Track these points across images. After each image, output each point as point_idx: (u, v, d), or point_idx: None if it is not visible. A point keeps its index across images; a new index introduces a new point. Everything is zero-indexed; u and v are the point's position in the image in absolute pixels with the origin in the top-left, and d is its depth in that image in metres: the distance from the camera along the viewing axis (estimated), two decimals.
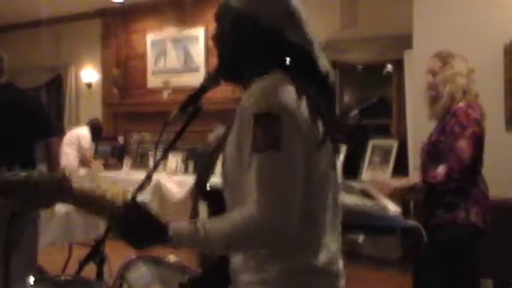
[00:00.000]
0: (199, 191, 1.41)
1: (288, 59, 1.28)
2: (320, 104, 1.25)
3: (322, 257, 1.25)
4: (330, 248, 1.27)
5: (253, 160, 1.17)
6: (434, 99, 2.75)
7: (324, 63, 1.32)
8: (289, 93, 1.20)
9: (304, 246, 1.24)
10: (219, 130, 4.83)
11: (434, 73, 2.76)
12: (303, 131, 1.19)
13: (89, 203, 1.30)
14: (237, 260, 1.30)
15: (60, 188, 1.25)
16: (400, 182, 2.78)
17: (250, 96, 1.22)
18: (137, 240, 1.25)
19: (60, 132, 3.80)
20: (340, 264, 1.31)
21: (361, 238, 4.31)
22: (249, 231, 1.16)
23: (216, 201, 1.34)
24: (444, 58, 2.76)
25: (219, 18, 1.37)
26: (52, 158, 3.36)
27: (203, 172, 1.44)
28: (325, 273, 1.26)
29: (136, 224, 1.23)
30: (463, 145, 2.54)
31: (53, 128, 3.41)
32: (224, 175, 1.31)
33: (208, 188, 1.40)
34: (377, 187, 2.80)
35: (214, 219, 1.23)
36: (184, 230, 1.21)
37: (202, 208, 1.39)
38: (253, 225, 1.15)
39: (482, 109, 2.71)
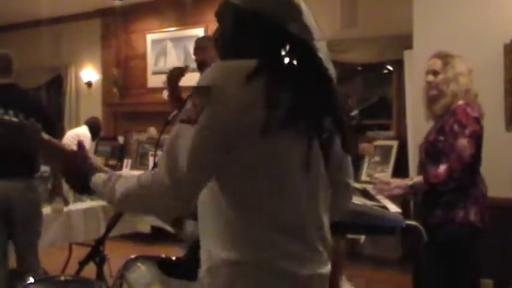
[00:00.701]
0: None
1: (284, 50, 1.26)
2: (279, 89, 1.19)
3: (268, 253, 1.20)
4: (287, 250, 1.22)
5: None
6: (434, 99, 2.75)
7: (324, 56, 1.30)
8: (237, 69, 1.19)
9: (243, 237, 1.21)
10: None
11: (435, 73, 2.76)
12: (236, 111, 1.16)
13: (51, 149, 1.49)
14: (201, 241, 1.30)
15: (29, 133, 1.42)
16: (400, 182, 2.77)
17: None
18: (67, 175, 1.43)
19: (61, 134, 3.90)
20: (304, 270, 1.23)
21: (362, 238, 4.31)
22: (140, 191, 1.23)
23: None
24: (444, 58, 2.77)
25: (219, 15, 1.37)
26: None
27: None
28: (275, 272, 1.21)
29: (74, 163, 1.42)
30: (464, 143, 2.54)
31: (55, 129, 3.53)
32: None
33: None
34: (377, 189, 2.80)
35: (129, 175, 1.33)
36: (103, 177, 1.34)
37: None
38: (144, 187, 1.22)
39: (481, 108, 2.71)
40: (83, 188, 1.40)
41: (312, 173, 1.26)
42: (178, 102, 3.31)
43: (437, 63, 2.77)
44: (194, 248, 1.39)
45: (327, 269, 1.31)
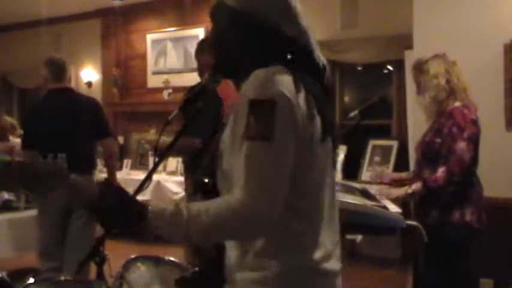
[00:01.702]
0: (197, 187, 1.41)
1: (289, 54, 1.28)
2: (319, 99, 1.23)
3: (317, 256, 1.24)
4: (326, 247, 1.26)
5: (243, 146, 1.15)
6: (424, 108, 2.81)
7: (319, 57, 1.32)
8: (287, 82, 1.18)
9: (299, 244, 1.23)
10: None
11: (417, 84, 2.84)
12: (298, 124, 1.17)
13: (79, 193, 1.25)
14: (232, 257, 1.29)
15: (57, 176, 1.24)
16: (399, 192, 2.77)
17: (247, 84, 1.21)
18: (115, 219, 1.18)
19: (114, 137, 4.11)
20: (336, 263, 1.29)
21: (358, 238, 4.32)
22: (232, 216, 1.13)
23: (215, 197, 1.33)
24: (419, 66, 2.82)
25: (214, 17, 1.37)
26: (112, 157, 3.71)
27: (202, 168, 1.45)
28: (320, 272, 1.24)
29: (114, 201, 1.18)
30: (463, 147, 2.54)
31: (107, 132, 3.68)
32: (220, 168, 1.29)
33: (205, 183, 1.39)
34: (376, 176, 2.82)
35: (198, 203, 1.18)
36: (165, 210, 1.15)
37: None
38: (237, 211, 1.12)
39: (474, 104, 2.71)
40: (133, 227, 1.19)
41: (333, 174, 1.33)
42: None
43: (415, 75, 2.86)
44: (214, 263, 1.36)
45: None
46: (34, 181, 1.23)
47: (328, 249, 1.26)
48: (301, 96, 1.19)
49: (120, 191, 1.21)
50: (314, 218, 1.25)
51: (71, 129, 3.44)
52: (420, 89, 2.81)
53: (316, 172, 1.24)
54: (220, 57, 1.37)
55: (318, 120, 1.22)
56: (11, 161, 1.24)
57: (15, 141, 5.07)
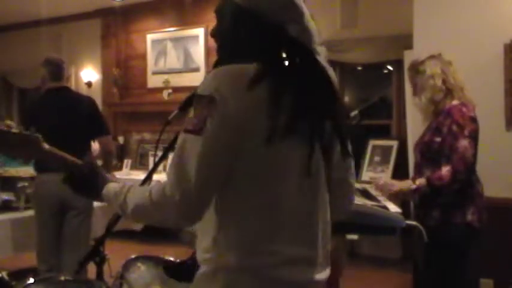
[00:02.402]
0: None
1: (283, 53, 1.26)
2: (281, 93, 1.19)
3: (267, 260, 1.20)
4: (283, 253, 1.21)
5: (179, 138, 1.21)
6: (420, 109, 2.81)
7: (321, 57, 1.32)
8: (239, 77, 1.18)
9: (243, 242, 1.21)
10: None
11: (413, 85, 2.83)
12: (240, 120, 1.15)
13: (55, 157, 1.51)
14: (198, 249, 1.30)
15: (32, 142, 1.44)
16: (403, 184, 2.76)
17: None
18: (83, 189, 1.44)
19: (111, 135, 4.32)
20: (299, 275, 1.24)
21: (355, 237, 4.31)
22: (151, 205, 1.22)
23: None
24: (415, 67, 2.81)
25: (219, 12, 1.36)
26: (109, 154, 3.80)
27: None
28: (264, 278, 1.20)
29: (85, 175, 1.43)
30: (465, 144, 2.53)
31: (107, 128, 3.81)
32: None
33: None
34: (378, 189, 2.79)
35: (139, 187, 1.34)
36: (114, 189, 1.35)
37: None
38: (155, 201, 1.21)
39: (473, 102, 2.71)
40: (94, 198, 1.45)
41: (312, 177, 1.27)
42: None
43: (411, 75, 2.85)
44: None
45: (324, 274, 1.31)
46: (12, 147, 1.43)
47: (284, 257, 1.21)
48: (259, 90, 1.16)
49: (95, 166, 1.44)
50: (266, 216, 1.21)
51: (68, 127, 3.50)
52: (416, 90, 2.81)
53: (272, 172, 1.21)
54: (222, 53, 1.37)
55: (281, 117, 1.18)
56: None
57: None
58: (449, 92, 2.68)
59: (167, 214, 1.21)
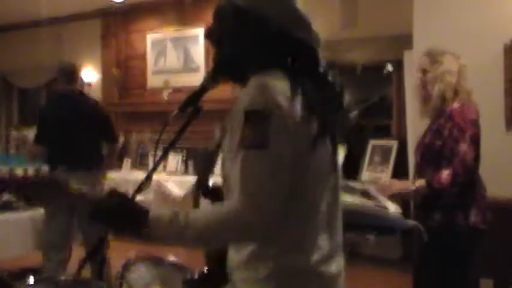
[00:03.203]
0: (200, 190, 1.42)
1: (289, 58, 1.28)
2: (317, 102, 1.24)
3: (313, 258, 1.24)
4: (323, 249, 1.26)
5: (239, 155, 1.18)
6: (425, 99, 2.74)
7: (323, 61, 1.33)
8: (282, 89, 1.20)
9: (295, 245, 1.24)
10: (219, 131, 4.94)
11: (424, 71, 2.74)
12: (293, 130, 1.19)
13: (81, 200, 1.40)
14: (233, 257, 1.30)
15: (54, 187, 1.35)
16: (402, 185, 2.75)
17: (245, 94, 1.22)
18: (116, 223, 1.25)
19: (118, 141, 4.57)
20: (334, 266, 1.28)
21: (371, 238, 4.31)
22: (227, 223, 1.17)
23: (218, 200, 1.34)
24: (434, 56, 2.73)
25: (219, 15, 1.36)
26: (112, 161, 4.13)
27: (204, 171, 1.45)
28: (316, 275, 1.24)
29: (117, 207, 1.24)
30: (466, 148, 2.52)
31: (112, 136, 4.02)
32: (223, 173, 1.31)
33: (210, 187, 1.41)
34: (378, 189, 2.78)
35: (196, 210, 1.25)
36: (164, 215, 1.21)
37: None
38: (231, 219, 1.16)
39: (477, 108, 2.69)
40: (134, 232, 1.24)
41: (337, 173, 1.33)
42: None
43: (425, 62, 2.75)
44: (215, 260, 1.38)
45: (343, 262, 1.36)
46: (37, 192, 1.32)
47: (325, 252, 1.26)
48: (297, 100, 1.20)
49: (124, 197, 1.26)
50: (311, 220, 1.25)
51: (80, 128, 3.70)
52: (425, 79, 2.74)
53: (314, 174, 1.25)
54: (223, 57, 1.36)
55: (315, 123, 1.22)
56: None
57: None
58: (456, 93, 2.66)
59: (242, 235, 1.20)
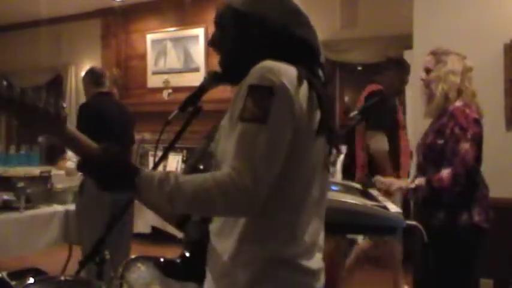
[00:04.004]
0: (190, 171, 1.42)
1: (291, 55, 1.29)
2: (321, 96, 1.25)
3: (294, 250, 1.23)
4: (305, 242, 1.26)
5: (237, 127, 1.17)
6: (428, 98, 2.74)
7: (322, 58, 1.34)
8: (290, 74, 1.20)
9: (278, 234, 1.23)
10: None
11: (428, 70, 2.75)
12: (295, 114, 1.18)
13: (74, 141, 1.30)
14: (214, 240, 1.30)
15: (53, 120, 1.24)
16: (401, 183, 2.75)
17: (252, 72, 1.21)
18: (107, 179, 1.22)
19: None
20: (313, 262, 1.27)
21: (359, 238, 4.31)
22: (216, 190, 1.14)
23: None
24: (439, 56, 2.73)
25: (221, 22, 1.37)
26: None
27: (195, 153, 1.47)
28: (298, 266, 1.24)
29: (110, 163, 1.22)
30: (467, 147, 2.51)
31: (132, 136, 4.43)
32: (217, 152, 1.31)
33: (199, 169, 1.41)
34: (378, 186, 2.78)
35: (187, 175, 1.21)
36: (155, 175, 1.19)
37: None
38: (222, 186, 1.13)
39: (480, 108, 2.69)
40: (125, 188, 1.23)
41: (324, 174, 1.33)
42: None
43: (430, 61, 2.75)
44: (198, 247, 1.38)
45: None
46: (29, 116, 1.22)
47: (306, 247, 1.26)
48: (303, 89, 1.21)
49: (117, 153, 1.24)
50: (296, 212, 1.25)
51: (118, 130, 3.99)
52: (428, 78, 2.74)
53: (308, 165, 1.25)
54: (228, 61, 1.37)
55: (317, 114, 1.23)
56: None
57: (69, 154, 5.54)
58: (459, 93, 2.66)
59: (234, 200, 1.14)
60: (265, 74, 1.18)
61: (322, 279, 1.31)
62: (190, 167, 1.44)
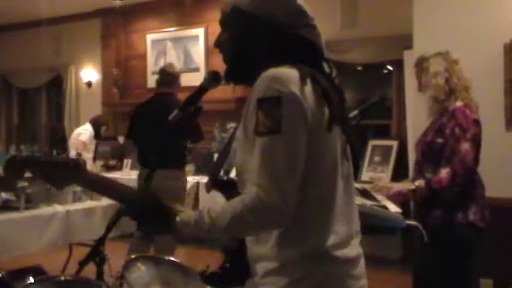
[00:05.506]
0: (213, 182, 1.45)
1: (296, 53, 1.30)
2: (327, 91, 1.26)
3: (329, 243, 1.26)
4: (339, 234, 1.28)
5: (256, 142, 1.21)
6: (428, 102, 2.79)
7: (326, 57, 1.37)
8: (293, 77, 1.22)
9: (311, 231, 1.26)
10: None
11: (419, 81, 2.83)
12: (306, 115, 1.21)
13: (102, 186, 1.42)
14: (253, 250, 1.33)
15: (73, 170, 1.35)
16: (401, 186, 2.75)
17: (257, 85, 1.24)
18: (148, 223, 1.36)
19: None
20: (350, 250, 1.30)
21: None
22: (248, 214, 1.19)
23: (233, 192, 1.36)
24: (419, 64, 2.81)
25: (225, 23, 1.37)
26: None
27: (216, 164, 1.49)
28: (332, 259, 1.26)
29: (149, 208, 1.33)
30: (467, 148, 2.52)
31: (198, 136, 4.28)
32: (235, 164, 1.34)
33: (224, 179, 1.44)
34: (377, 190, 2.78)
35: (217, 207, 1.27)
36: (191, 216, 1.28)
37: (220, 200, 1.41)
38: (253, 209, 1.18)
39: (477, 104, 2.70)
40: (165, 230, 1.38)
41: (349, 161, 1.36)
42: None
43: (416, 72, 2.83)
44: (237, 256, 1.40)
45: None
46: (51, 172, 1.34)
47: (341, 237, 1.28)
48: (308, 88, 1.23)
49: (155, 200, 1.34)
50: (326, 205, 1.27)
51: (166, 129, 3.78)
52: (421, 87, 2.80)
53: (327, 160, 1.27)
54: (234, 62, 1.38)
55: (325, 110, 1.25)
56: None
57: (88, 156, 5.89)
58: (452, 91, 2.67)
59: (268, 219, 1.20)
60: (271, 84, 1.21)
61: (360, 265, 1.34)
62: (214, 180, 1.48)
